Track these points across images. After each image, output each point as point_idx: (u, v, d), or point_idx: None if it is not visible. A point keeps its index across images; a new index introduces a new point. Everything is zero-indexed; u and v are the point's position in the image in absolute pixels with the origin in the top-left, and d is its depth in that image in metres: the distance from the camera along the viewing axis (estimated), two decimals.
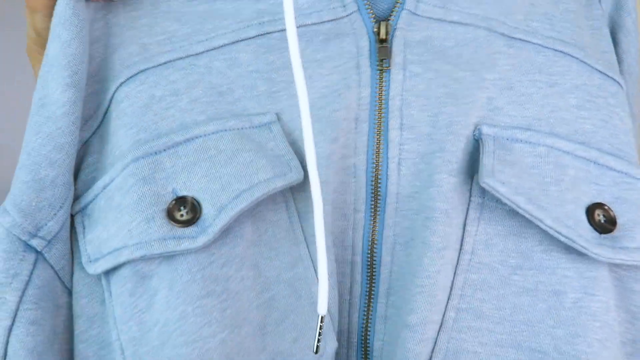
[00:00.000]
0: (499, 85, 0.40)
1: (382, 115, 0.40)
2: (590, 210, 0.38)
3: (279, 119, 0.40)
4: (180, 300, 0.36)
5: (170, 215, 0.37)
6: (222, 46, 0.41)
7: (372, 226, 0.40)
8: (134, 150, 0.38)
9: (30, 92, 0.41)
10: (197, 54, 0.41)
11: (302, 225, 0.39)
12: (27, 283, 0.38)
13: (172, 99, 0.40)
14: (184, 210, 0.37)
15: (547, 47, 0.41)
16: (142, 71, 0.40)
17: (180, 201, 0.37)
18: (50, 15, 0.40)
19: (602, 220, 0.38)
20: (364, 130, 0.40)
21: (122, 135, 0.39)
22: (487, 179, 0.37)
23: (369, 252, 0.40)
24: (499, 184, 0.36)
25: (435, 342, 0.38)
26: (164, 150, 0.38)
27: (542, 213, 0.36)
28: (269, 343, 0.39)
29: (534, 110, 0.40)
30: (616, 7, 0.47)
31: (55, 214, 0.39)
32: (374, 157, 0.40)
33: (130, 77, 0.40)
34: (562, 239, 0.37)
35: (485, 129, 0.39)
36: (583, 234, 0.37)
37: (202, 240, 0.36)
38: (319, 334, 0.37)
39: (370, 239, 0.40)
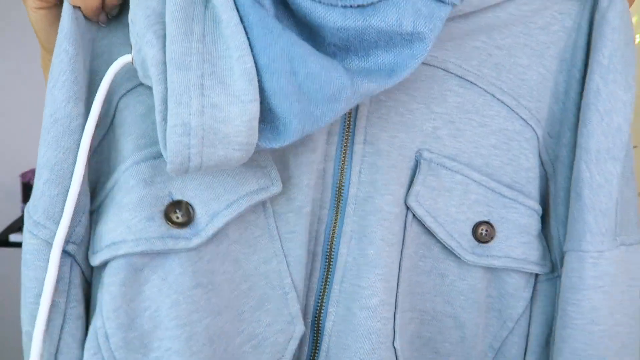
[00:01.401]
0: (444, 118, 0.48)
1: (350, 131, 0.46)
2: (476, 226, 0.49)
3: None
4: (173, 290, 0.42)
5: (166, 216, 0.42)
6: None
7: (333, 222, 0.48)
8: (135, 154, 0.42)
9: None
10: None
11: (277, 224, 0.46)
12: (69, 284, 0.43)
13: None
14: (179, 213, 0.42)
15: (488, 92, 0.48)
16: (140, 84, 0.43)
17: (175, 204, 0.42)
18: (49, 15, 0.42)
19: (483, 233, 0.49)
20: (335, 142, 0.46)
21: (123, 141, 0.43)
22: (410, 201, 0.47)
23: (329, 244, 0.48)
24: (417, 205, 0.47)
25: (394, 321, 0.48)
26: (162, 155, 0.42)
27: (438, 228, 0.48)
28: (246, 327, 0.46)
29: (463, 144, 0.48)
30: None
31: (80, 220, 0.43)
32: (341, 164, 0.47)
33: (131, 89, 0.44)
34: (447, 246, 0.49)
35: (425, 154, 0.47)
36: (463, 244, 0.49)
37: (196, 241, 0.42)
38: None
39: (331, 233, 0.48)
